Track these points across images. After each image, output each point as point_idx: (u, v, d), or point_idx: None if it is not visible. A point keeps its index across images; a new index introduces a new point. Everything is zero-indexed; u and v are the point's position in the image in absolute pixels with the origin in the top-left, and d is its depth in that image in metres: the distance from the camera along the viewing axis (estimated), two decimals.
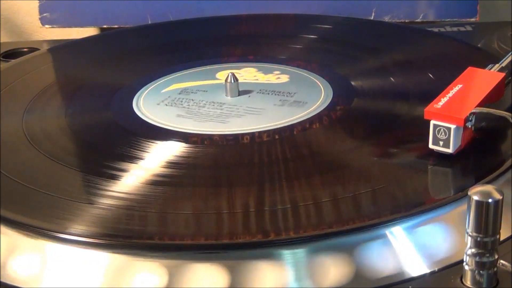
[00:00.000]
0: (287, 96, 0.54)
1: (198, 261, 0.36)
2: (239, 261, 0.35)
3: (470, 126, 0.44)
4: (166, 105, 0.54)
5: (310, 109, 0.51)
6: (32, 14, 0.85)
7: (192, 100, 0.54)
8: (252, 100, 0.54)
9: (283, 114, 0.51)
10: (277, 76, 0.57)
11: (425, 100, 0.45)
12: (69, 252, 0.37)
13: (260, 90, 0.55)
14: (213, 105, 0.53)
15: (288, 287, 0.35)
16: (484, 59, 0.54)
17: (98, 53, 0.67)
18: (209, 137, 0.48)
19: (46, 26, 0.79)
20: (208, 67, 0.61)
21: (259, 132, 0.48)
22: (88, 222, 0.39)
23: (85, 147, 0.49)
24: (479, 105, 0.44)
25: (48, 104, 0.55)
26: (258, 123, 0.50)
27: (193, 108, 0.53)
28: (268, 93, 0.55)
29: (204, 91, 0.56)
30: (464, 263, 0.34)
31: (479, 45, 0.65)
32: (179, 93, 0.56)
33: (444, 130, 0.43)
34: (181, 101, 0.54)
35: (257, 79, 0.55)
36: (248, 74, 0.56)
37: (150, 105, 0.54)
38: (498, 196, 0.32)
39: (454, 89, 0.46)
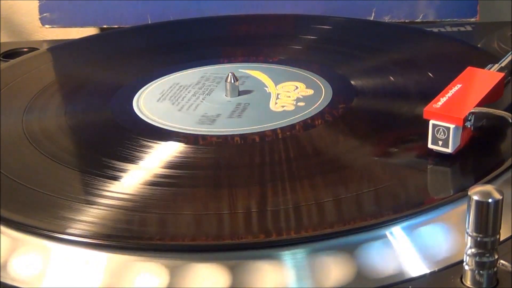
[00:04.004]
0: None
1: (198, 261, 0.36)
2: (240, 261, 0.35)
3: (469, 126, 0.44)
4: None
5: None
6: (32, 14, 0.85)
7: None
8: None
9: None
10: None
11: (425, 100, 0.45)
12: (69, 252, 0.37)
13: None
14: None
15: (289, 287, 0.35)
16: (484, 59, 0.54)
17: (98, 53, 0.67)
18: (209, 137, 0.48)
19: (46, 26, 0.79)
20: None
21: (259, 132, 0.48)
22: (88, 223, 0.39)
23: (85, 147, 0.49)
24: (478, 105, 0.44)
25: (48, 104, 0.55)
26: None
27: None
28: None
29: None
30: (464, 263, 0.34)
31: (479, 45, 0.65)
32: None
33: (443, 130, 0.43)
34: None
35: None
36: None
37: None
38: (498, 196, 0.32)
39: (453, 89, 0.46)
